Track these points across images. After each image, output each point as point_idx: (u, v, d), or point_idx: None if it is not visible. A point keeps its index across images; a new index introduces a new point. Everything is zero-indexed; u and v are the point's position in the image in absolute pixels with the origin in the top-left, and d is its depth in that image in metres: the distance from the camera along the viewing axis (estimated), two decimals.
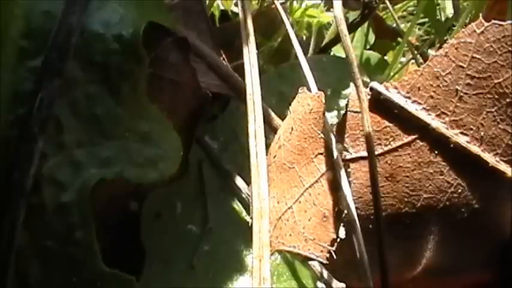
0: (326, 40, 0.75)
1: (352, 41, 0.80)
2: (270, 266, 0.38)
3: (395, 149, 0.40)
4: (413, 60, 0.79)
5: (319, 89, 0.43)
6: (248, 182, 0.49)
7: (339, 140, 0.41)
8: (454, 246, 0.42)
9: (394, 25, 0.86)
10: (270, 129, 0.48)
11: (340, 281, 0.45)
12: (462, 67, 0.39)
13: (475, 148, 0.39)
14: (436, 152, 0.40)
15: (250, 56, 0.47)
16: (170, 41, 0.44)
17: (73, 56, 0.36)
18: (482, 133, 0.39)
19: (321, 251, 0.39)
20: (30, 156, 0.35)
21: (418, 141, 0.40)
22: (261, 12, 0.70)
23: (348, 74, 0.42)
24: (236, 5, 0.71)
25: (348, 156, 0.41)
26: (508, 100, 0.39)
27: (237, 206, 0.50)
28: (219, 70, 0.52)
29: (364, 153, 0.40)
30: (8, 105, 0.35)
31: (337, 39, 0.71)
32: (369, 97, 0.40)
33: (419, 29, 1.02)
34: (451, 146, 0.39)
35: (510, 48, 0.38)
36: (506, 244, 0.42)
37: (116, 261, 0.36)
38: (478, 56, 0.39)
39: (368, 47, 0.84)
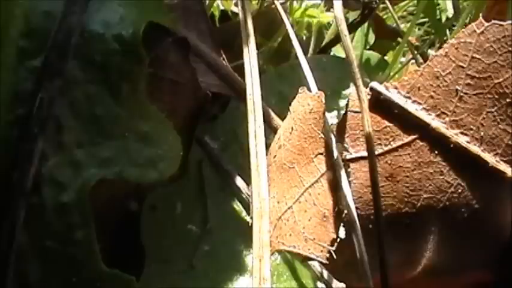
0: (326, 40, 0.75)
1: (352, 41, 0.80)
2: (270, 266, 0.38)
3: (395, 149, 0.40)
4: (413, 60, 0.79)
5: (319, 89, 0.43)
6: (248, 182, 0.49)
7: (339, 140, 0.41)
8: (454, 246, 0.42)
9: (394, 25, 0.86)
10: (270, 129, 0.48)
11: (340, 281, 0.45)
12: (462, 67, 0.39)
13: (475, 148, 0.39)
14: (436, 152, 0.40)
15: (250, 56, 0.47)
16: (170, 41, 0.44)
17: (73, 56, 0.36)
18: (482, 133, 0.39)
19: (321, 251, 0.39)
20: (30, 156, 0.35)
21: (418, 141, 0.40)
22: (261, 12, 0.70)
23: (348, 74, 0.42)
24: (236, 5, 0.71)
25: (348, 156, 0.41)
26: (508, 100, 0.39)
27: (237, 206, 0.50)
28: (219, 70, 0.52)
29: (364, 153, 0.40)
30: (8, 105, 0.35)
31: (337, 39, 0.71)
32: (369, 97, 0.40)
33: (419, 29, 1.02)
34: (451, 146, 0.39)
35: (510, 48, 0.38)
36: (506, 244, 0.42)
37: (116, 261, 0.36)
38: (478, 56, 0.39)
39: (368, 47, 0.84)
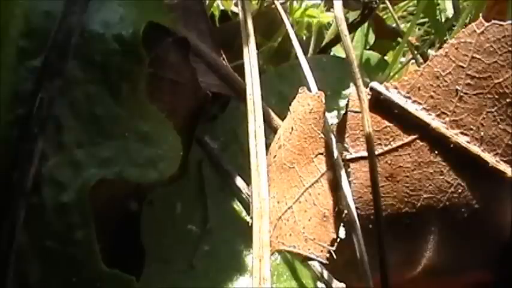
0: (326, 40, 0.75)
1: (352, 41, 0.80)
2: (270, 266, 0.38)
3: (395, 149, 0.40)
4: (413, 60, 0.79)
5: (319, 89, 0.43)
6: (248, 182, 0.49)
7: (339, 140, 0.41)
8: (454, 246, 0.42)
9: (394, 25, 0.86)
10: (270, 129, 0.48)
11: (340, 281, 0.45)
12: (462, 67, 0.39)
13: (475, 148, 0.39)
14: (436, 152, 0.40)
15: (250, 56, 0.47)
16: (170, 41, 0.44)
17: (73, 56, 0.36)
18: (482, 133, 0.39)
19: (321, 251, 0.39)
20: (30, 156, 0.35)
21: (418, 141, 0.40)
22: (261, 12, 0.70)
23: (348, 74, 0.42)
24: (236, 5, 0.71)
25: (348, 156, 0.41)
26: (508, 100, 0.39)
27: (237, 206, 0.50)
28: (219, 70, 0.52)
29: (364, 153, 0.40)
30: (8, 105, 0.35)
31: (337, 39, 0.71)
32: (369, 97, 0.40)
33: (419, 29, 1.02)
34: (451, 146, 0.39)
35: (510, 48, 0.38)
36: (506, 244, 0.42)
37: (116, 261, 0.36)
38: (478, 56, 0.39)
39: (368, 47, 0.84)
